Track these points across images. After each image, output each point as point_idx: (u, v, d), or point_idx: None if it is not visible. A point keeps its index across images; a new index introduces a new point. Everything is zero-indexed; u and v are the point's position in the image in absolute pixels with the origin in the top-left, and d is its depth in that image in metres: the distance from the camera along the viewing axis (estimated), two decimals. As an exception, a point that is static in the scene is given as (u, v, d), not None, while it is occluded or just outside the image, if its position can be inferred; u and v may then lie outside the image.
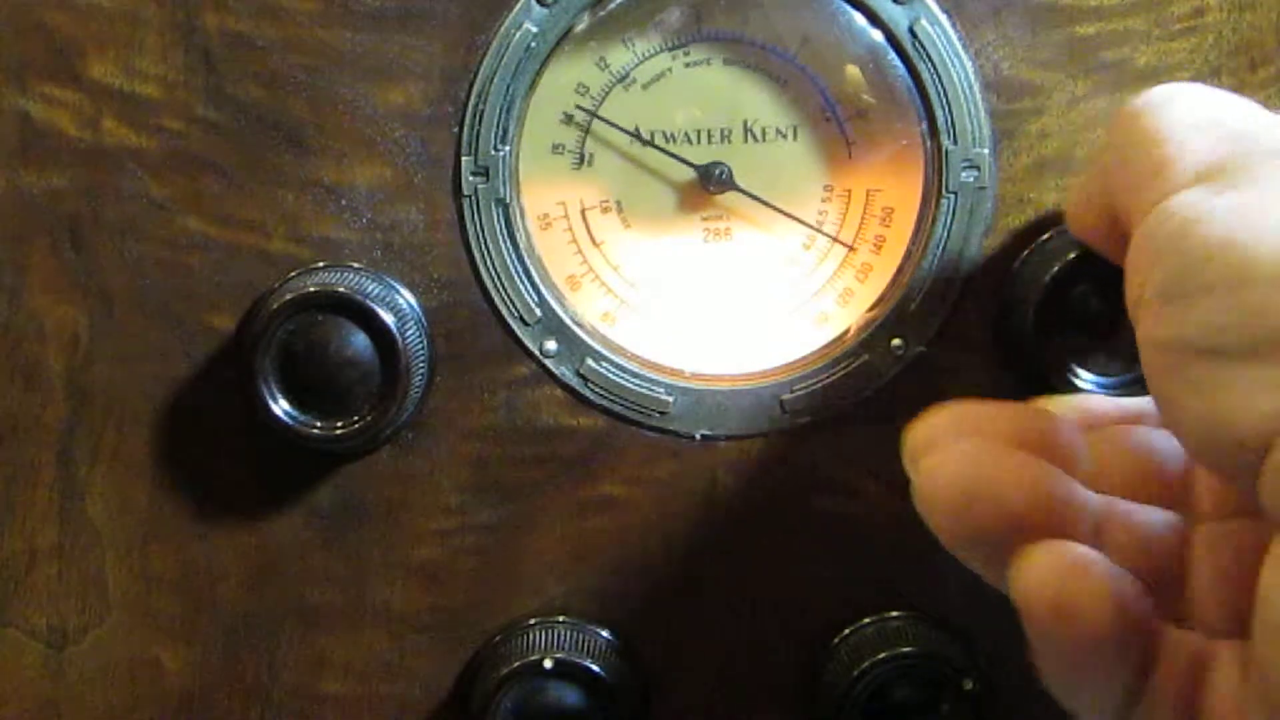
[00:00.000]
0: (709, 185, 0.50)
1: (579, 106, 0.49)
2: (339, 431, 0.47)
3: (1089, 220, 0.38)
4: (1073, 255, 0.47)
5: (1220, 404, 0.29)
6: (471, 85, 0.48)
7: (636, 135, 0.49)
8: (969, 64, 0.48)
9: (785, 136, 0.50)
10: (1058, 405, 0.42)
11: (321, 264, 0.49)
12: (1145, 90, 0.36)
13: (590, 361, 0.50)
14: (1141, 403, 0.41)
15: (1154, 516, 0.37)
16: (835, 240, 0.50)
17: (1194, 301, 0.30)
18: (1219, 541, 0.36)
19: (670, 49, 0.50)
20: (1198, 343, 0.30)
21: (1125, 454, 0.39)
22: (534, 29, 0.48)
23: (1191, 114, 0.35)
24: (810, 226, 0.50)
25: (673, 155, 0.50)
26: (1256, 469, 0.29)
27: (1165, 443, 0.39)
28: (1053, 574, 0.33)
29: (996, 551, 0.34)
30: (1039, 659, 0.34)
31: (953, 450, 0.35)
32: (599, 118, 0.49)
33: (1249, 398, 0.29)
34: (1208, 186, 0.32)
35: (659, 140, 0.50)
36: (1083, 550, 0.33)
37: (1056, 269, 0.47)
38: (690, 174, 0.50)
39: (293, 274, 0.48)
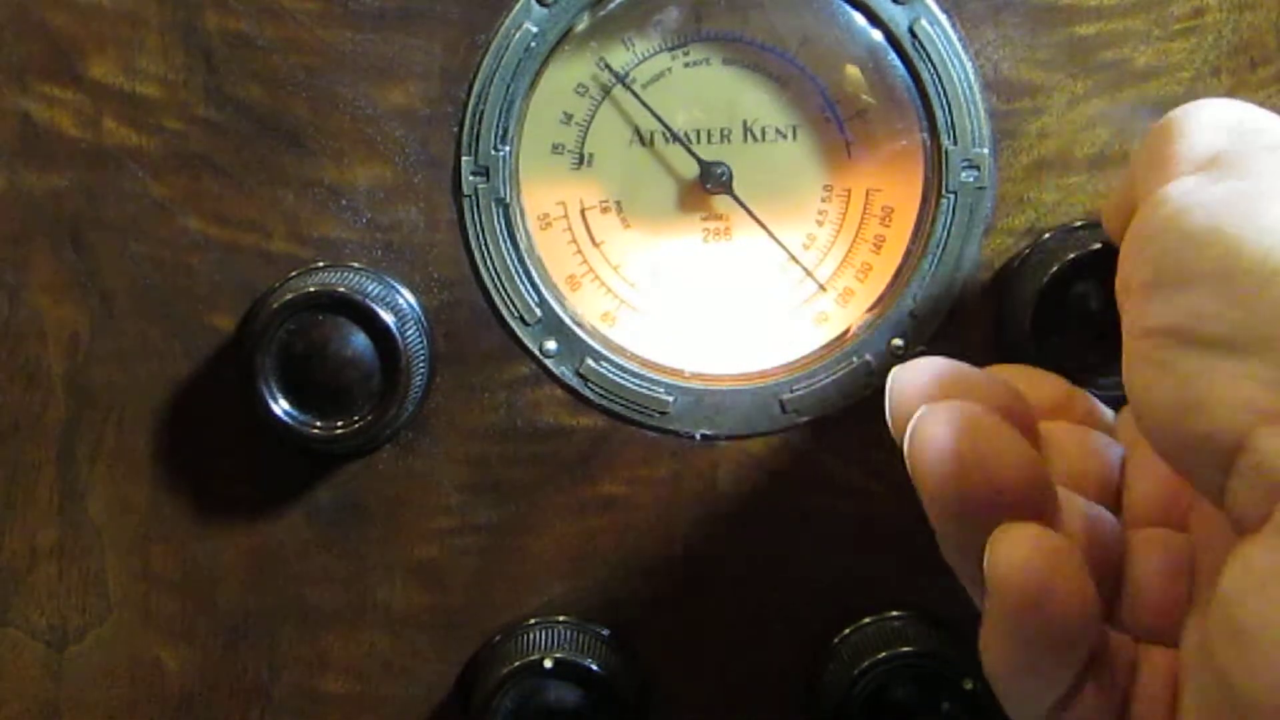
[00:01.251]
0: (708, 184, 0.50)
1: (608, 69, 0.49)
2: (339, 431, 0.47)
3: (1118, 225, 0.38)
4: (1072, 255, 0.47)
5: (1195, 394, 0.29)
6: (471, 85, 0.48)
7: (641, 131, 0.49)
8: (969, 64, 0.48)
9: (785, 136, 0.50)
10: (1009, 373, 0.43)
11: (321, 264, 0.49)
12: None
13: (590, 361, 0.50)
14: (1089, 401, 0.42)
15: (1105, 514, 0.37)
16: (810, 276, 0.50)
17: (1179, 289, 0.30)
18: (1153, 547, 0.36)
19: (670, 49, 0.49)
20: (1179, 331, 0.30)
21: (1068, 450, 0.39)
22: (534, 29, 0.48)
23: (1209, 116, 0.35)
24: (789, 253, 0.50)
25: (681, 143, 0.49)
26: (1223, 466, 0.29)
27: (1105, 447, 0.39)
28: (1037, 555, 0.33)
29: (974, 526, 0.34)
30: (994, 639, 0.34)
31: (948, 412, 0.35)
32: (627, 87, 0.49)
33: (1225, 390, 0.29)
34: (1205, 175, 0.32)
35: (660, 140, 0.50)
36: (1061, 538, 0.33)
37: (1056, 269, 0.47)
38: (690, 174, 0.50)
39: (293, 274, 0.48)
